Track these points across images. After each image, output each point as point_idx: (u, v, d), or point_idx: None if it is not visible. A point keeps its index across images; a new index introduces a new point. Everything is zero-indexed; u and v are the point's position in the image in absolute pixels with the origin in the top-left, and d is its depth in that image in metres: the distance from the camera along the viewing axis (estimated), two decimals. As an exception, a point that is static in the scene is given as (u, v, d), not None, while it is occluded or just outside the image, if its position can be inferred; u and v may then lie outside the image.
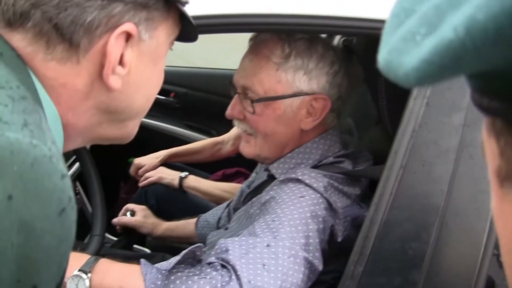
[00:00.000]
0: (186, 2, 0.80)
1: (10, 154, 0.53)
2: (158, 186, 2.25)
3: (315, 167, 1.34)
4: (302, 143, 1.37)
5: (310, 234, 1.15)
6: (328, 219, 1.21)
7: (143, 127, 2.48)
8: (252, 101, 1.31)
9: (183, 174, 2.19)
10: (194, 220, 1.95)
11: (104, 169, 2.26)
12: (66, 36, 0.68)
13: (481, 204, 1.08)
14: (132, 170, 2.29)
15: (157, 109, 2.80)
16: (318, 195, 1.22)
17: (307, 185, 1.23)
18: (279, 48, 1.29)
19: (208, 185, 2.20)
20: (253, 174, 1.70)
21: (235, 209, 1.66)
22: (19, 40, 0.68)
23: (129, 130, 0.83)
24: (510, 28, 0.24)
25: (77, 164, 1.94)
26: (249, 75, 1.33)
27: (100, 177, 1.62)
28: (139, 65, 0.76)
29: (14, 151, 0.53)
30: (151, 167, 2.25)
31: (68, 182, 0.58)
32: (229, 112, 1.38)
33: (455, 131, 1.11)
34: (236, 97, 1.37)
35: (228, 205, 1.82)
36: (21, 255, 0.53)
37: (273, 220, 1.16)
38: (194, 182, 2.18)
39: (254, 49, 1.34)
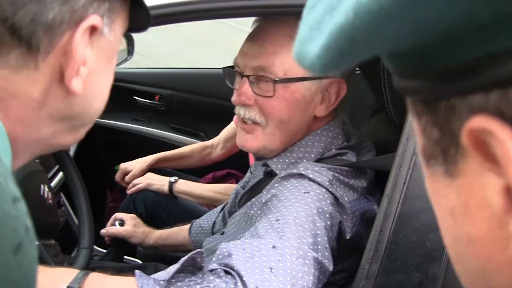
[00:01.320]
0: None
1: None
2: (146, 192, 2.19)
3: (317, 160, 1.26)
4: (306, 135, 1.28)
5: (318, 232, 1.06)
6: (335, 215, 1.12)
7: (128, 133, 2.42)
8: (275, 81, 1.20)
9: (173, 179, 2.13)
10: (187, 226, 1.88)
11: (89, 178, 2.21)
12: (24, 38, 0.59)
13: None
14: (118, 176, 2.22)
15: (143, 113, 2.77)
16: (324, 190, 1.13)
17: (311, 179, 1.14)
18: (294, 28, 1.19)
19: (200, 188, 2.14)
20: (248, 174, 1.60)
21: (230, 212, 1.58)
22: None
23: (81, 135, 0.74)
24: (392, 7, 0.25)
25: (60, 174, 1.86)
26: (267, 54, 1.21)
27: (86, 187, 1.53)
28: (98, 63, 0.67)
29: None
30: (138, 172, 2.19)
31: (22, 207, 0.48)
32: (236, 98, 1.26)
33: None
34: (244, 81, 1.25)
35: (222, 209, 1.74)
36: None
37: (277, 220, 1.06)
38: (185, 186, 2.12)
39: (268, 28, 1.24)
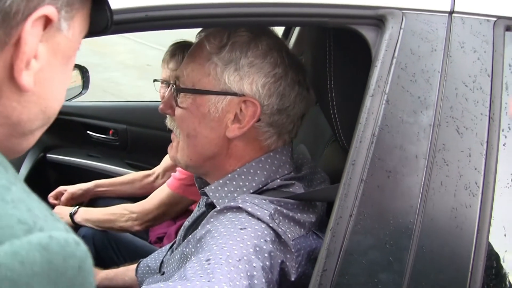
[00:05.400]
0: None
1: (63, 260, 0.49)
2: (96, 231, 2.13)
3: (259, 191, 1.14)
4: (242, 163, 1.17)
5: (254, 273, 0.92)
6: (276, 254, 0.99)
7: (82, 169, 2.32)
8: (177, 90, 1.17)
9: (73, 209, 2.12)
10: (134, 266, 1.76)
11: None
12: None
13: (462, 220, 0.89)
14: (52, 194, 2.27)
15: (97, 148, 2.69)
16: (263, 225, 1.01)
17: (249, 214, 1.03)
18: (217, 38, 1.14)
19: (97, 212, 2.13)
20: (196, 208, 1.48)
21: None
22: None
23: (36, 139, 0.70)
24: None
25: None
26: (184, 64, 1.19)
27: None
28: (53, 61, 0.63)
29: (66, 256, 0.50)
30: (70, 195, 2.25)
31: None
32: (161, 106, 1.24)
33: (423, 132, 0.91)
34: (169, 89, 1.22)
35: (171, 247, 1.60)
36: None
37: (208, 260, 0.93)
38: (85, 214, 2.12)
39: (197, 40, 1.21)
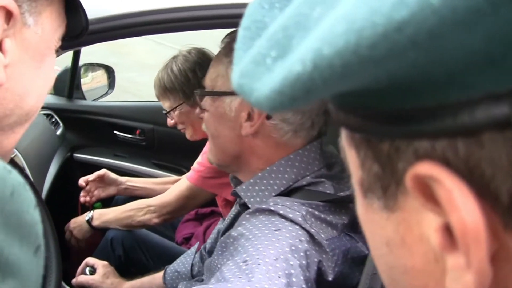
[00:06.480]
0: None
1: None
2: (125, 233, 2.12)
3: (289, 189, 1.13)
4: (267, 161, 1.17)
5: (292, 271, 0.92)
6: (312, 253, 0.98)
7: (108, 169, 2.30)
8: (199, 93, 1.24)
9: (89, 215, 2.07)
10: (160, 274, 1.75)
11: (65, 216, 2.13)
12: None
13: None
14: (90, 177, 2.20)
15: (123, 149, 2.68)
16: (297, 226, 1.01)
17: (281, 216, 1.02)
18: (232, 42, 1.17)
19: (116, 209, 2.09)
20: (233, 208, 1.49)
21: (211, 252, 1.46)
22: None
23: (18, 137, 0.70)
24: (356, 64, 0.25)
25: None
26: (209, 69, 1.24)
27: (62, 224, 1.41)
28: (24, 57, 0.64)
29: None
30: (102, 172, 2.19)
31: (39, 213, 0.48)
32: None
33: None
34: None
35: (198, 250, 1.64)
36: None
37: (245, 261, 0.93)
38: (101, 216, 2.08)
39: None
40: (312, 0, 0.30)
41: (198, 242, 1.81)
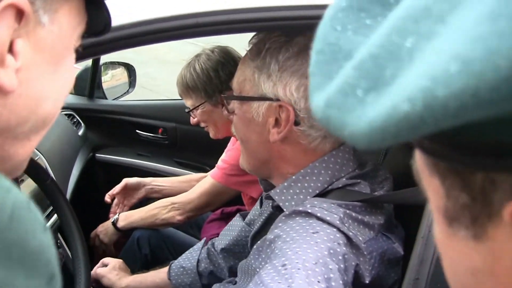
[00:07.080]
0: None
1: None
2: (151, 232, 2.13)
3: (325, 191, 1.12)
4: (297, 166, 1.16)
5: (331, 275, 0.91)
6: (350, 256, 0.98)
7: (131, 168, 2.31)
8: (225, 97, 1.23)
9: (113, 219, 2.10)
10: (165, 269, 1.77)
11: (90, 216, 2.15)
12: None
13: None
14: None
15: (146, 148, 2.67)
16: (334, 229, 1.00)
17: (319, 218, 1.02)
18: (258, 45, 1.16)
19: (140, 210, 2.12)
20: (256, 207, 1.51)
21: (225, 249, 1.53)
22: None
23: (35, 144, 0.63)
24: (473, 106, 0.24)
25: (54, 216, 1.73)
26: (237, 72, 1.23)
27: (86, 225, 1.42)
28: (38, 59, 0.57)
29: None
30: (123, 183, 2.21)
31: (50, 237, 0.44)
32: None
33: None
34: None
35: (204, 245, 1.68)
36: None
37: (283, 265, 0.93)
38: (126, 218, 2.10)
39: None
40: (403, 29, 0.28)
41: (205, 238, 1.82)
